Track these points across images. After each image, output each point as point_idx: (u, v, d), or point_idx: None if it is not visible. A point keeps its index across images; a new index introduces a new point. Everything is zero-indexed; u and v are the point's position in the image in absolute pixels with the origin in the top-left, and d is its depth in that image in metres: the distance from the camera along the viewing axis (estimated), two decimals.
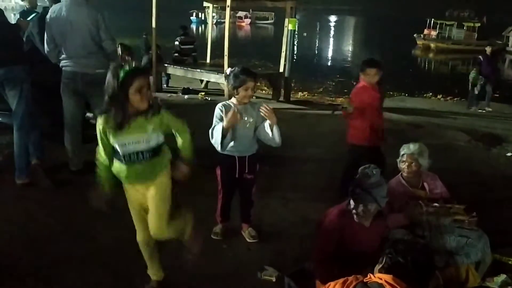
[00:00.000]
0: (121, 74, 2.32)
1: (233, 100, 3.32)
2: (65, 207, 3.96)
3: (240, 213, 3.68)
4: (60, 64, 4.33)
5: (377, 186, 2.63)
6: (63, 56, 4.30)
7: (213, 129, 3.20)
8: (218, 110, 3.27)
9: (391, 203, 3.30)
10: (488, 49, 11.27)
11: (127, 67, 2.36)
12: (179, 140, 2.65)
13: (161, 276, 2.94)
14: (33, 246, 3.33)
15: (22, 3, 8.11)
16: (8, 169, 4.29)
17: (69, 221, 3.72)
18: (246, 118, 3.28)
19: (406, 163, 3.40)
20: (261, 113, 3.19)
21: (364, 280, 1.88)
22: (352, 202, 2.66)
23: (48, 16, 4.24)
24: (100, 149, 2.55)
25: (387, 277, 1.83)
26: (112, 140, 2.47)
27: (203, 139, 3.35)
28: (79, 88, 4.33)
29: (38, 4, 6.54)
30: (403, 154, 3.44)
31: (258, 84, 14.04)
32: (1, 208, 3.85)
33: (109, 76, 2.36)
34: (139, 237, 2.79)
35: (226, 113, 3.12)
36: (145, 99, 2.40)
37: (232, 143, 3.26)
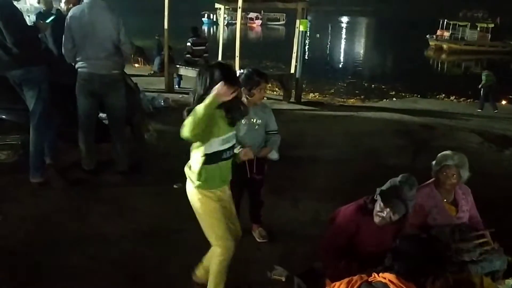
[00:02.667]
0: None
1: (244, 101, 3.35)
2: (79, 206, 4.02)
3: (250, 213, 3.70)
4: (76, 65, 4.39)
5: (412, 200, 2.61)
6: (80, 57, 4.34)
7: None
8: None
9: (419, 215, 3.23)
10: None
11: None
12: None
13: None
14: (47, 244, 3.38)
15: (37, 5, 8.20)
16: (23, 168, 4.36)
17: (82, 220, 3.78)
18: (255, 120, 3.32)
19: (448, 175, 3.13)
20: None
21: (369, 280, 1.90)
22: (380, 204, 2.61)
23: (69, 17, 4.28)
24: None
25: (391, 276, 1.84)
26: (216, 132, 2.42)
27: None
28: (96, 89, 4.39)
29: (54, 6, 6.64)
30: (444, 165, 3.15)
31: (269, 85, 14.10)
32: (16, 206, 3.92)
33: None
34: (230, 244, 2.57)
35: None
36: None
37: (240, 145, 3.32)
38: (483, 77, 12.13)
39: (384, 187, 2.67)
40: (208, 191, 2.55)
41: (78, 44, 4.31)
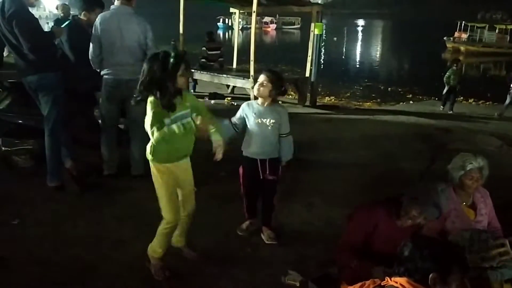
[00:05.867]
0: (171, 60, 2.66)
1: (258, 100, 3.43)
2: (96, 210, 4.05)
3: (261, 214, 3.72)
4: (103, 72, 4.43)
5: (444, 208, 2.61)
6: (108, 63, 4.38)
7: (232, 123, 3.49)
8: (241, 108, 3.51)
9: (439, 219, 3.16)
10: None
11: (172, 54, 2.71)
12: (200, 118, 2.81)
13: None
14: (63, 248, 3.41)
15: (55, 12, 8.35)
16: (39, 172, 4.42)
17: (98, 223, 3.81)
18: (267, 121, 3.35)
19: (474, 178, 3.04)
20: None
21: (382, 284, 1.87)
22: (417, 209, 2.57)
23: (97, 23, 4.31)
24: (154, 120, 2.67)
25: (402, 280, 1.81)
26: (165, 118, 2.70)
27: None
28: (122, 95, 4.41)
29: (71, 13, 6.76)
30: (470, 169, 3.03)
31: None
32: (32, 210, 3.96)
33: (151, 64, 2.71)
34: (172, 217, 2.96)
35: (247, 110, 3.44)
36: (187, 80, 2.68)
37: (253, 145, 3.40)
38: (451, 77, 11.21)
39: (420, 193, 2.60)
40: (160, 165, 2.87)
41: (106, 50, 4.35)
